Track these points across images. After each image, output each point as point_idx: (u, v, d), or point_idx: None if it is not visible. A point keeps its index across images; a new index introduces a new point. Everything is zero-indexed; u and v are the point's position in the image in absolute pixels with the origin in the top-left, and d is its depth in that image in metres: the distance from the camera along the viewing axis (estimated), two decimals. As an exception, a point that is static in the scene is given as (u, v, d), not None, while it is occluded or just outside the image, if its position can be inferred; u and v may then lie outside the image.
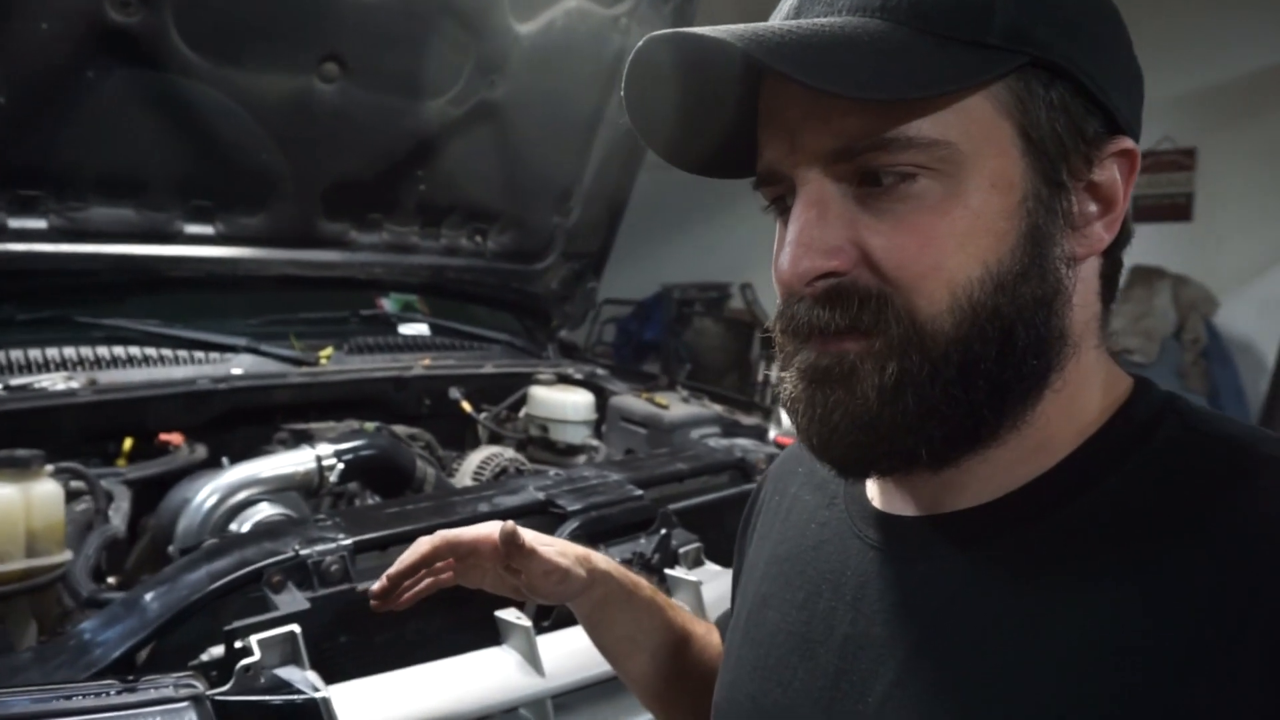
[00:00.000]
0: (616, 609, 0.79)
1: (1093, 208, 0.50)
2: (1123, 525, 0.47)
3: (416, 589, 0.77)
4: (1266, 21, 3.84)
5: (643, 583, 0.82)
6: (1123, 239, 0.52)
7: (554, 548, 0.76)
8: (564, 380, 2.33)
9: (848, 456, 0.51)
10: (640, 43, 0.49)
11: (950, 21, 0.46)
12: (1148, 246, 4.33)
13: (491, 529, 0.75)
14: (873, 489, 0.59)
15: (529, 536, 0.75)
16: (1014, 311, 0.47)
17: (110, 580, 1.36)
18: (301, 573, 1.07)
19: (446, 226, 2.34)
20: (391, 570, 0.76)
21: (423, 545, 0.76)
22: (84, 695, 0.86)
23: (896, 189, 0.47)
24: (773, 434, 2.04)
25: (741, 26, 0.45)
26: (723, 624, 0.81)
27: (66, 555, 1.20)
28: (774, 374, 0.55)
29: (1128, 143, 0.50)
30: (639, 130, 0.54)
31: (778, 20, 0.51)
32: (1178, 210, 4.18)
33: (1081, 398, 0.51)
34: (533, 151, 2.29)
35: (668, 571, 1.32)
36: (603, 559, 0.80)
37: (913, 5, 0.46)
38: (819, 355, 0.50)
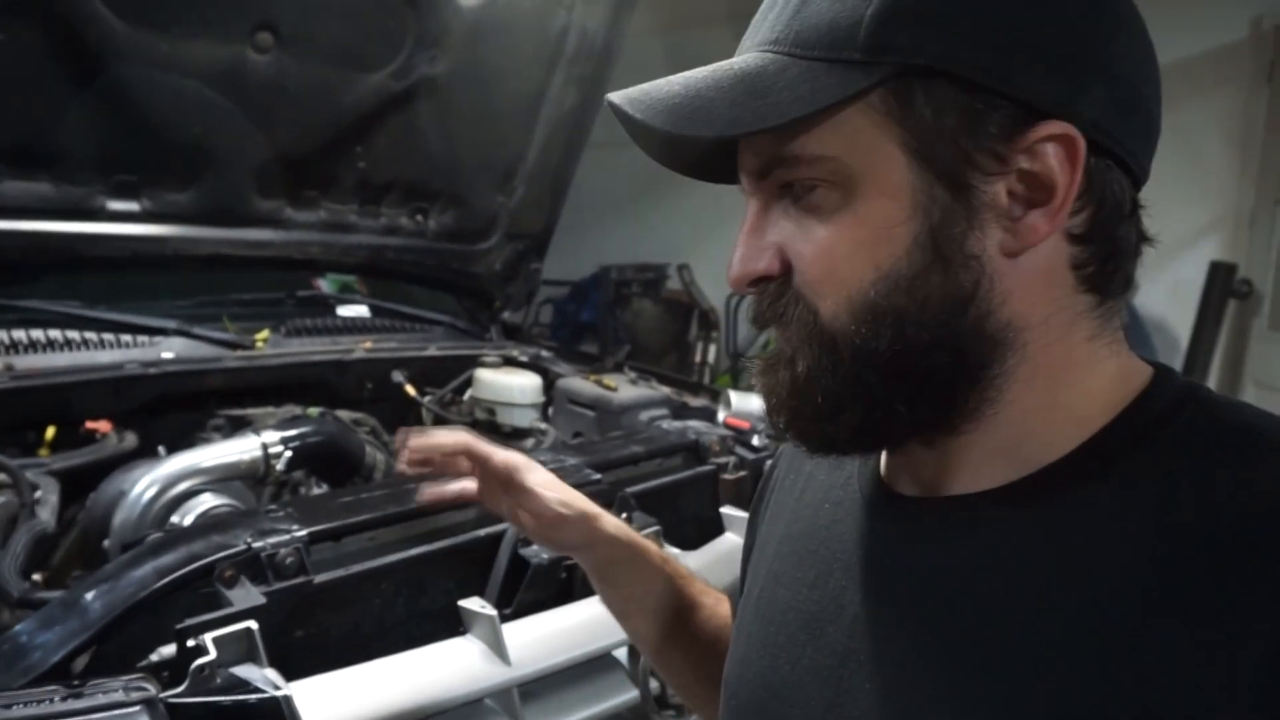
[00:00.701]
0: (620, 571, 0.83)
1: (1024, 198, 0.49)
2: (1134, 512, 0.47)
3: (442, 491, 0.82)
4: (1176, 17, 4.00)
5: (652, 549, 0.84)
6: (1101, 227, 0.50)
7: (558, 495, 0.80)
8: (510, 363, 2.29)
9: (789, 433, 0.56)
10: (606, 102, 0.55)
11: (823, 45, 0.49)
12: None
13: (508, 454, 0.80)
14: (887, 469, 0.59)
15: (536, 478, 0.80)
16: (914, 310, 0.49)
17: (36, 578, 1.28)
18: (254, 566, 1.03)
19: (386, 205, 2.27)
20: (417, 442, 0.81)
21: (443, 436, 0.80)
22: (25, 703, 0.81)
23: (805, 200, 0.51)
24: (721, 416, 2.04)
25: (641, 91, 0.53)
26: (733, 594, 0.82)
27: (-10, 553, 1.13)
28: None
29: (1056, 126, 0.47)
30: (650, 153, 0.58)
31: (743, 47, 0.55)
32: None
33: (1072, 388, 0.51)
34: (475, 129, 2.23)
35: (629, 555, 1.31)
36: (613, 522, 0.83)
37: (796, 35, 0.50)
38: (777, 342, 0.55)
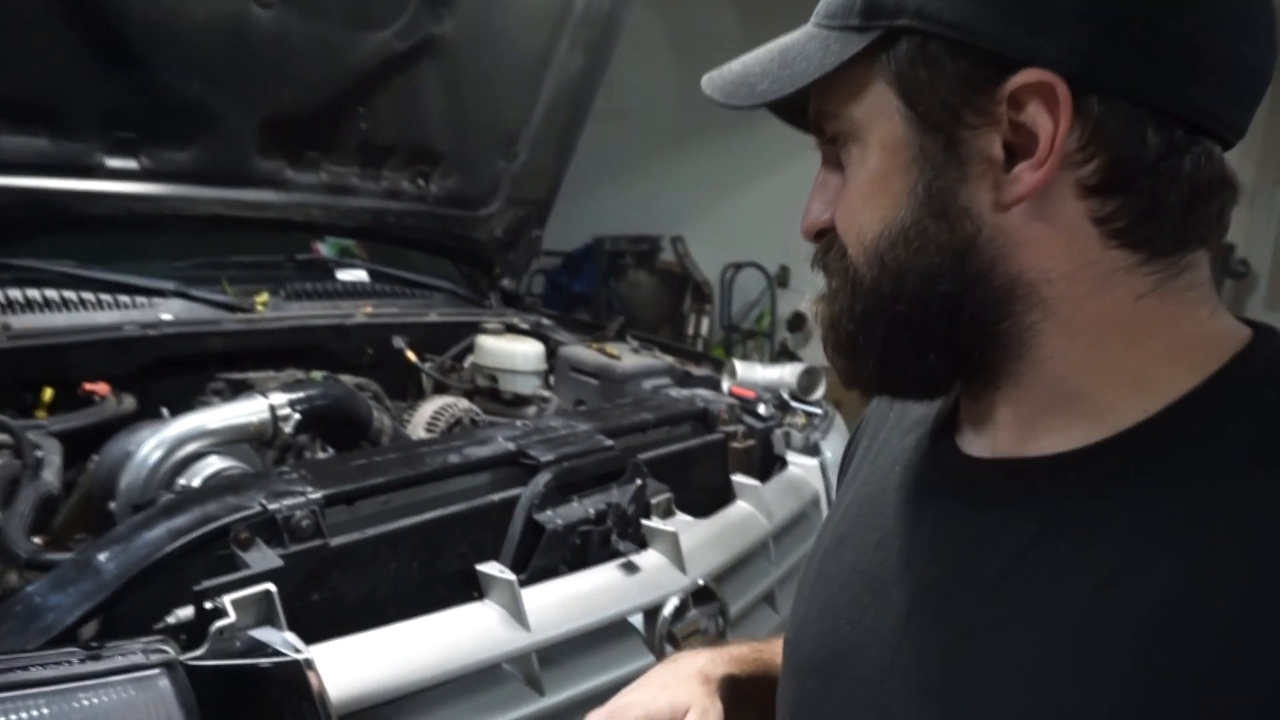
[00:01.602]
0: (744, 698, 0.76)
1: (1017, 150, 0.48)
2: (1214, 489, 0.45)
3: None
4: None
5: (744, 652, 0.80)
6: (1120, 178, 0.47)
7: (695, 711, 0.71)
8: (511, 330, 2.27)
9: (834, 366, 0.59)
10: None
11: (838, 14, 0.53)
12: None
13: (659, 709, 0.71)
14: (960, 430, 0.59)
15: None
16: (912, 260, 0.51)
17: (37, 540, 1.26)
18: (270, 529, 1.01)
19: (388, 168, 2.22)
20: None
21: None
22: (43, 665, 0.79)
23: (840, 155, 0.55)
24: (726, 385, 2.03)
25: (718, 73, 0.60)
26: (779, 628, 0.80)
27: (-5, 514, 1.11)
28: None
29: (1029, 75, 0.46)
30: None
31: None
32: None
33: (1126, 349, 0.50)
34: (480, 92, 2.19)
35: (644, 523, 1.30)
36: (706, 660, 0.77)
37: (825, 8, 0.55)
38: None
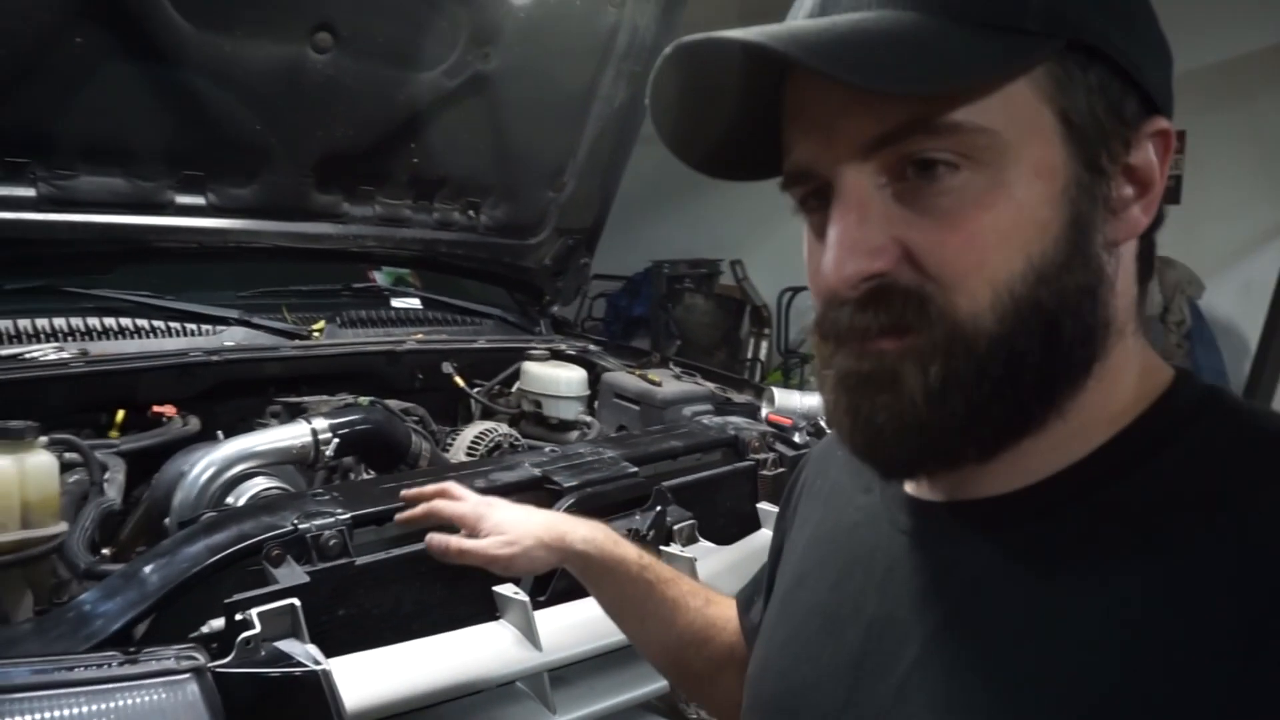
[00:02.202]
0: (595, 578, 0.89)
1: (1130, 190, 0.49)
2: (1151, 517, 0.46)
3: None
4: (1256, 3, 3.85)
5: (630, 556, 0.88)
6: (1158, 220, 0.51)
7: (505, 538, 0.89)
8: (557, 356, 2.33)
9: (894, 459, 0.51)
10: (669, 49, 0.48)
11: (985, 9, 0.45)
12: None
13: (464, 509, 0.95)
14: None
15: (488, 524, 0.91)
16: (1058, 303, 0.46)
17: (105, 552, 1.35)
18: (300, 547, 1.08)
19: (439, 200, 2.32)
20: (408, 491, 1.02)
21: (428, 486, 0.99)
22: (85, 666, 0.86)
23: (940, 182, 0.46)
24: (765, 412, 2.04)
25: (777, 28, 0.45)
26: (742, 598, 0.84)
27: (62, 527, 1.20)
28: (814, 376, 0.55)
29: (1163, 122, 0.49)
30: (660, 132, 0.53)
31: (801, 17, 0.50)
32: (1167, 193, 4.19)
33: (1119, 384, 0.50)
34: (526, 125, 2.27)
35: (663, 548, 1.33)
36: (581, 537, 0.88)
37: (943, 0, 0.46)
38: (859, 359, 0.49)
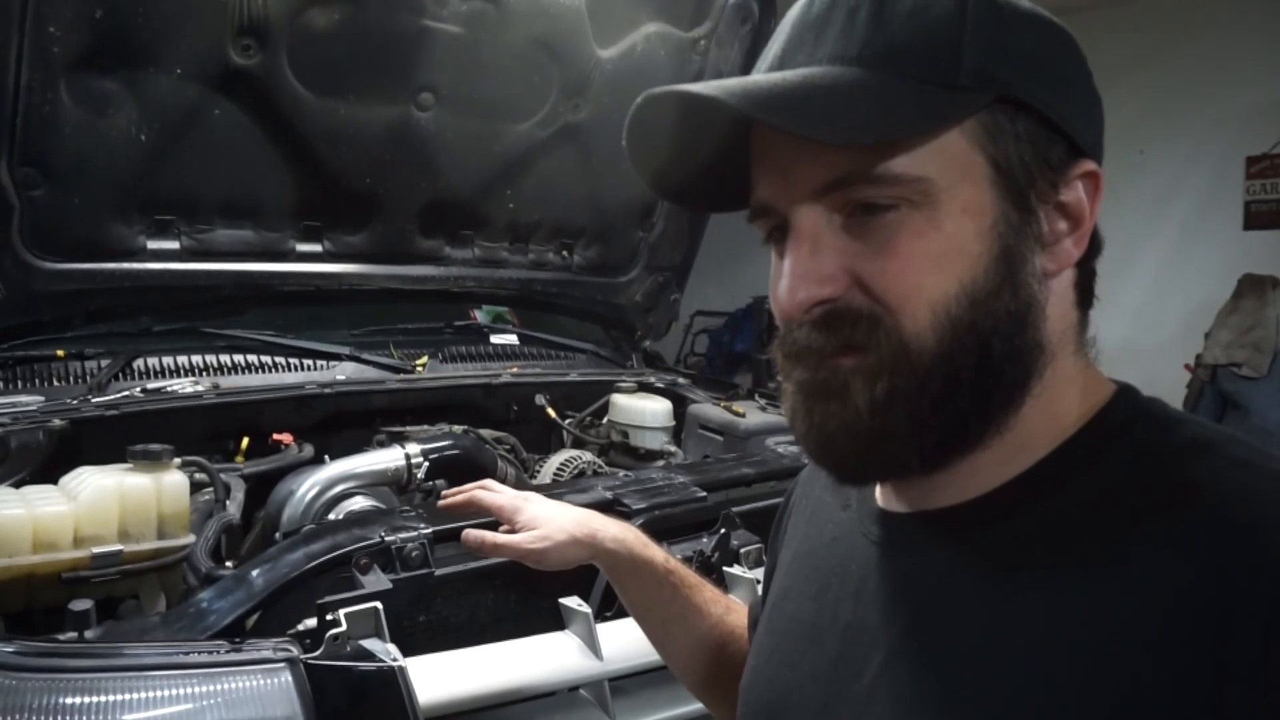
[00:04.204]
0: (620, 578, 0.92)
1: (1062, 226, 0.54)
2: (1092, 521, 0.50)
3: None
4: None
5: (657, 559, 0.91)
6: (1093, 250, 0.56)
7: (539, 532, 0.92)
8: (644, 388, 2.41)
9: (843, 463, 0.56)
10: (640, 99, 0.55)
11: (923, 67, 0.50)
12: (1261, 254, 4.02)
13: (502, 501, 0.99)
14: (879, 489, 0.64)
15: (524, 518, 0.95)
16: (990, 325, 0.51)
17: (229, 564, 1.51)
18: (385, 557, 1.19)
19: (534, 242, 2.46)
20: (448, 493, 1.07)
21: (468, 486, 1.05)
22: (199, 652, 0.99)
23: (881, 217, 0.51)
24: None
25: (733, 82, 0.52)
26: (752, 611, 0.88)
27: (190, 538, 1.36)
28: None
29: (1090, 165, 0.54)
30: (639, 171, 0.61)
31: (762, 70, 0.56)
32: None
33: (1060, 402, 0.55)
34: (615, 170, 2.38)
35: (726, 569, 1.38)
36: (612, 536, 0.91)
37: (887, 53, 0.51)
38: (815, 371, 0.54)
